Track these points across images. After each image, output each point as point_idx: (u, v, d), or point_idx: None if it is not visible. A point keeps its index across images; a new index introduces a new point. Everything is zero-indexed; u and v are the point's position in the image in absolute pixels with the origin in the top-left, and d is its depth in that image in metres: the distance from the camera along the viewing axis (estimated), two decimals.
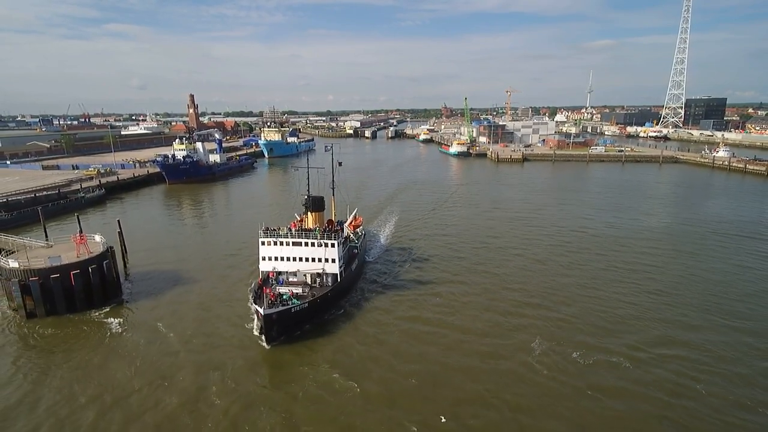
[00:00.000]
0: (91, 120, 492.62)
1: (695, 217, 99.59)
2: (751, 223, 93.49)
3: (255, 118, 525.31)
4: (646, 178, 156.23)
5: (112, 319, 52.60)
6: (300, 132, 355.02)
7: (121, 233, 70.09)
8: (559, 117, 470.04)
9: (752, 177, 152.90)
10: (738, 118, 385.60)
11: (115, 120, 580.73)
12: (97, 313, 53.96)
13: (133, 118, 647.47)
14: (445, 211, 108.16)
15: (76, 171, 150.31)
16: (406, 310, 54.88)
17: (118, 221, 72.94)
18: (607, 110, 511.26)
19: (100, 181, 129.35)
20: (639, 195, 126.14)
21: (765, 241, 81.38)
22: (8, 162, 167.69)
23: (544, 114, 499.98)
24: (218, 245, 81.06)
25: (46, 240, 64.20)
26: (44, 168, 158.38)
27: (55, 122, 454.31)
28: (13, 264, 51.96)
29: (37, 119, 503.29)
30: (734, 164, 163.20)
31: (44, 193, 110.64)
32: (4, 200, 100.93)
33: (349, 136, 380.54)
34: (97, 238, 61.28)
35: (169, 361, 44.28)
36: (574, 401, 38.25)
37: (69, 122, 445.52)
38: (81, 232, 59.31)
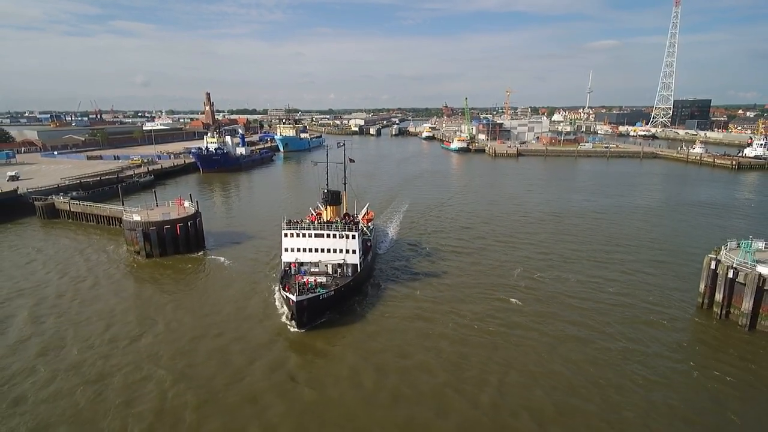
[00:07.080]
0: (102, 116, 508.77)
1: (664, 197, 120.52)
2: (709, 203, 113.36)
3: (259, 116, 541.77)
4: (627, 170, 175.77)
5: (214, 257, 72.58)
6: (308, 129, 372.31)
7: (197, 203, 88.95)
8: (556, 116, 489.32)
9: (720, 169, 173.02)
10: (725, 118, 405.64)
11: (124, 117, 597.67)
12: (194, 255, 73.41)
13: (140, 114, 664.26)
14: (448, 194, 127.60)
15: (118, 161, 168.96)
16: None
17: (190, 195, 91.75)
18: (603, 110, 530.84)
19: (148, 168, 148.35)
20: (618, 183, 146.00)
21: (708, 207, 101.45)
22: (55, 153, 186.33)
23: (543, 114, 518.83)
24: (255, 218, 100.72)
25: (123, 208, 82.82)
26: (89, 158, 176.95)
27: (67, 118, 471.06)
28: (136, 218, 71.04)
29: (47, 115, 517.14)
30: (704, 158, 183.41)
31: (107, 177, 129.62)
32: (78, 182, 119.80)
33: (355, 133, 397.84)
34: (186, 203, 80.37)
35: (243, 287, 61.89)
36: (540, 287, 60.61)
37: (79, 118, 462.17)
38: (180, 198, 78.95)
